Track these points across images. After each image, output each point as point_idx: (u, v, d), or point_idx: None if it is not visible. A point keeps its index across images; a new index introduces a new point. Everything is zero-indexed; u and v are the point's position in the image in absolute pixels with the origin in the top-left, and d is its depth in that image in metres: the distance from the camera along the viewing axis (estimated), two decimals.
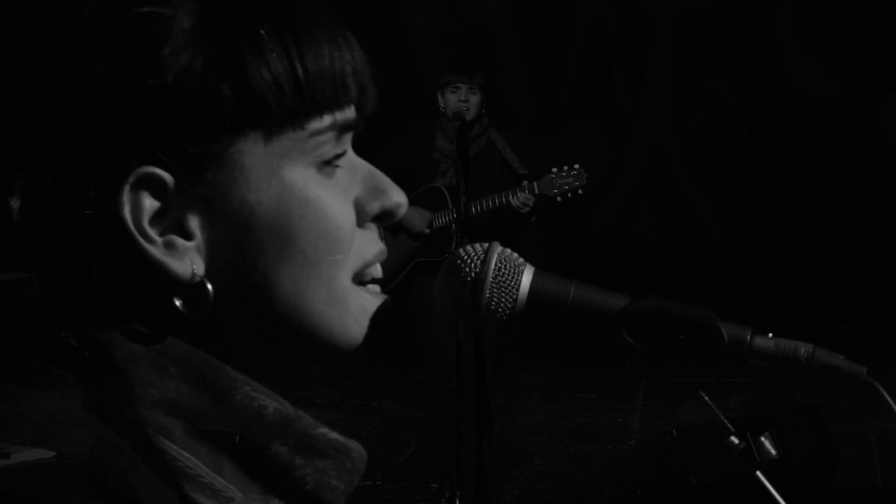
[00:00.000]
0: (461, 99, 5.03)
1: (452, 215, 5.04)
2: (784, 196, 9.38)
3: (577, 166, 5.08)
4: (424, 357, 5.17)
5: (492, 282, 1.15)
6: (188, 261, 0.80)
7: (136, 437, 0.79)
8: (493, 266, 1.16)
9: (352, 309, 0.86)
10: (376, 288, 0.89)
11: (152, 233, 0.79)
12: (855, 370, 1.25)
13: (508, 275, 1.16)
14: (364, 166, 0.87)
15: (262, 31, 0.80)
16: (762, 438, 4.15)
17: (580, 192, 5.10)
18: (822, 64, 9.18)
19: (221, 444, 0.80)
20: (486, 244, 1.18)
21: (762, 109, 9.35)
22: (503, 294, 1.16)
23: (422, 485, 5.49)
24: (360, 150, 0.88)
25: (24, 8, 0.80)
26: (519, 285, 1.16)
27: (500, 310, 1.16)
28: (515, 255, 1.18)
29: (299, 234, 0.82)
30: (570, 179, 5.06)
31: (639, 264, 9.59)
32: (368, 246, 0.87)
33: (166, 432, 0.79)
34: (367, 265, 0.87)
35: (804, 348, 1.17)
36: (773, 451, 4.16)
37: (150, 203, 0.79)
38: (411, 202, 5.90)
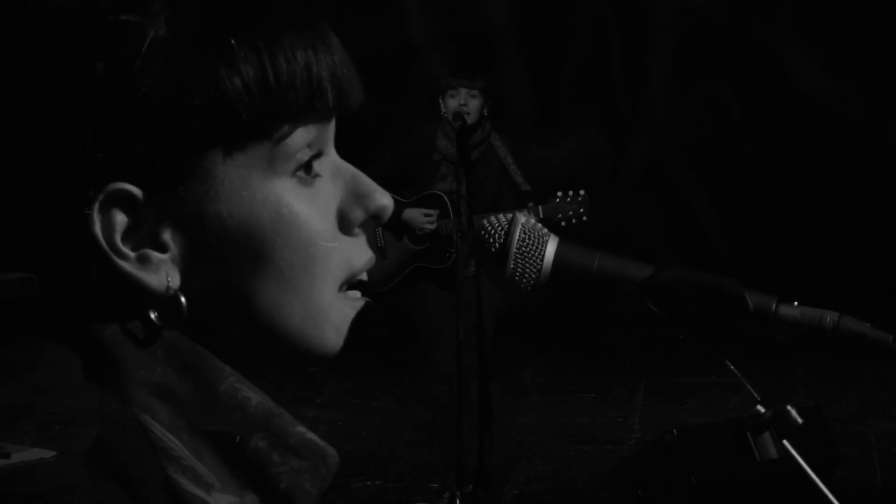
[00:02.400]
0: (461, 103, 5.01)
1: (451, 224, 5.03)
2: (784, 196, 9.38)
3: (582, 192, 5.09)
4: (426, 360, 5.17)
5: (516, 252, 1.15)
6: (163, 273, 0.80)
7: (124, 415, 0.80)
8: (517, 237, 1.15)
9: (331, 320, 0.85)
10: (356, 294, 0.87)
11: (125, 248, 0.79)
12: (881, 337, 1.26)
13: (533, 245, 1.15)
14: (346, 170, 0.86)
15: (234, 40, 0.79)
16: (762, 439, 4.15)
17: (584, 218, 5.11)
18: (821, 64, 9.18)
19: (204, 433, 0.80)
20: (510, 215, 1.18)
21: (762, 109, 9.35)
22: (527, 264, 1.15)
23: (422, 485, 5.49)
24: (360, 152, 0.87)
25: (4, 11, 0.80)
26: (543, 255, 1.15)
27: (524, 280, 1.15)
28: (539, 225, 1.17)
29: (273, 250, 0.81)
30: (576, 206, 5.08)
31: None
32: (357, 254, 0.86)
33: (152, 412, 0.80)
34: (355, 274, 0.86)
35: (830, 316, 1.18)
36: (774, 451, 4.15)
37: (121, 219, 0.79)
38: (413, 206, 5.91)
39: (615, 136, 9.53)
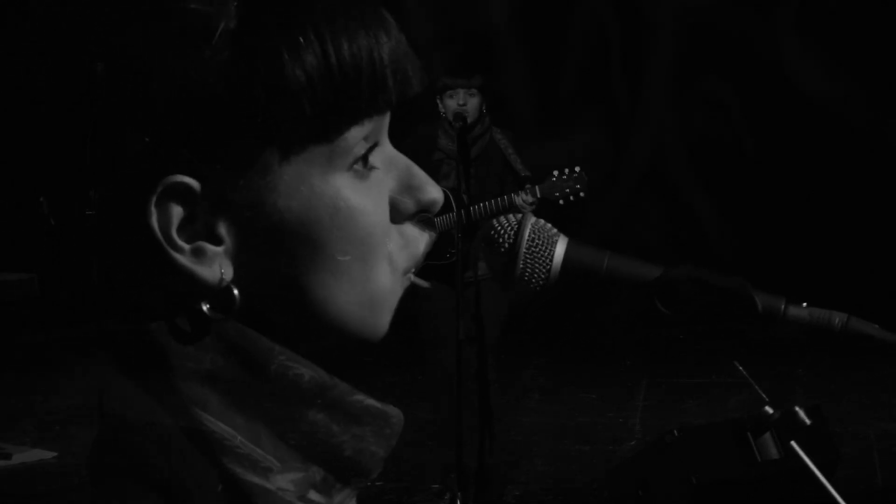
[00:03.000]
0: (460, 103, 5.02)
1: (454, 219, 5.04)
2: (784, 196, 9.38)
3: (577, 169, 5.07)
4: (429, 359, 5.17)
5: (525, 252, 1.15)
6: (217, 266, 0.80)
7: (174, 409, 0.79)
8: (526, 237, 1.16)
9: (389, 306, 0.86)
10: (409, 276, 0.88)
11: (180, 241, 0.79)
12: (889, 338, 1.26)
13: (542, 245, 1.16)
14: (400, 160, 0.87)
15: (299, 31, 0.79)
16: (763, 439, 4.15)
17: (582, 194, 5.09)
18: (822, 63, 9.18)
19: (258, 414, 0.80)
20: (520, 215, 1.18)
21: (762, 109, 9.35)
22: (537, 265, 1.16)
23: (422, 485, 5.49)
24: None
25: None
26: (552, 256, 1.16)
27: (533, 280, 1.16)
28: (549, 225, 1.18)
29: (329, 242, 0.81)
30: (572, 182, 5.06)
31: None
32: (416, 242, 0.87)
33: (202, 404, 0.80)
34: (416, 261, 0.87)
35: (838, 317, 1.19)
36: (774, 451, 4.16)
37: (177, 211, 0.79)
38: None
39: (615, 136, 9.54)
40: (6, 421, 6.35)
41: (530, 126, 8.45)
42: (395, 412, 0.86)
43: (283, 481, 0.81)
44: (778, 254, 9.45)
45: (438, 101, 5.12)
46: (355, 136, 0.81)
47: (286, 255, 0.81)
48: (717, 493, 3.90)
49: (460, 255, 4.93)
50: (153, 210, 0.78)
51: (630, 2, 9.50)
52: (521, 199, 4.99)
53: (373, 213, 0.83)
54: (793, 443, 2.41)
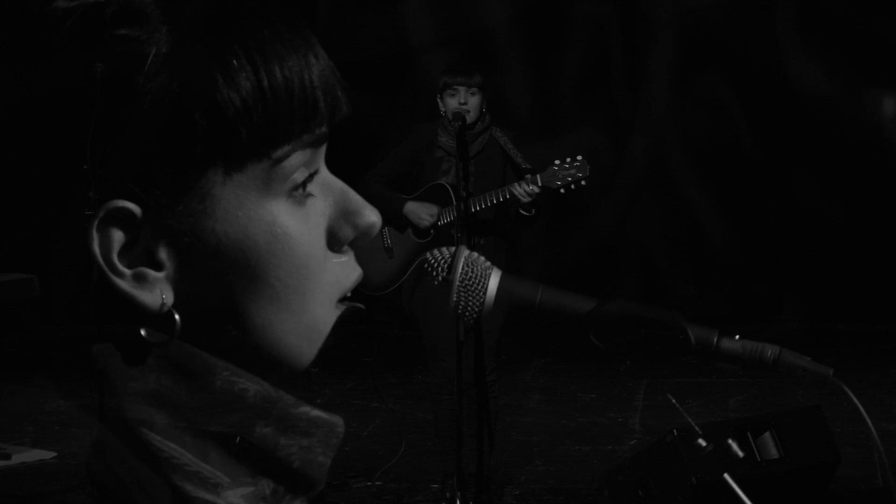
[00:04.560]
0: (461, 102, 5.03)
1: (453, 213, 5.05)
2: (784, 195, 9.38)
3: (579, 157, 5.06)
4: (429, 357, 5.17)
5: (459, 285, 1.18)
6: (158, 291, 0.80)
7: (120, 430, 0.80)
8: (459, 270, 1.18)
9: (321, 336, 0.85)
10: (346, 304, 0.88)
11: (121, 266, 0.79)
12: (821, 371, 1.28)
13: (476, 279, 1.19)
14: (336, 185, 0.86)
15: (232, 55, 0.79)
16: (763, 438, 4.15)
17: (583, 182, 5.07)
18: (822, 63, 9.18)
19: (205, 431, 0.81)
20: (454, 248, 1.21)
21: (762, 109, 9.35)
22: (470, 297, 1.19)
23: (422, 485, 5.49)
24: (365, 153, 0.87)
25: (15, 14, 0.80)
26: (486, 289, 1.18)
27: (467, 312, 1.19)
28: (482, 258, 1.21)
29: (268, 270, 0.81)
30: (573, 171, 5.04)
31: (639, 264, 9.60)
32: (347, 273, 0.86)
33: (149, 424, 0.80)
34: (345, 292, 0.86)
35: (771, 350, 1.20)
36: (774, 452, 4.16)
37: (119, 236, 0.79)
38: (416, 200, 5.93)
39: (615, 135, 9.54)
40: (6, 421, 6.36)
41: (530, 126, 8.45)
42: (339, 421, 0.86)
43: (234, 496, 0.81)
44: (777, 253, 9.45)
45: (439, 100, 5.13)
46: (294, 163, 0.81)
47: (225, 281, 0.81)
48: (717, 493, 3.90)
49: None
50: (95, 234, 0.78)
51: (630, 2, 9.50)
52: (521, 188, 4.97)
53: (309, 241, 0.83)
54: (726, 475, 2.42)
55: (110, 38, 0.78)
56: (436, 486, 5.35)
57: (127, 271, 0.79)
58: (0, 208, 0.82)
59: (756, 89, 9.32)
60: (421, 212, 5.13)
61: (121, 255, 0.79)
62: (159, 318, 0.80)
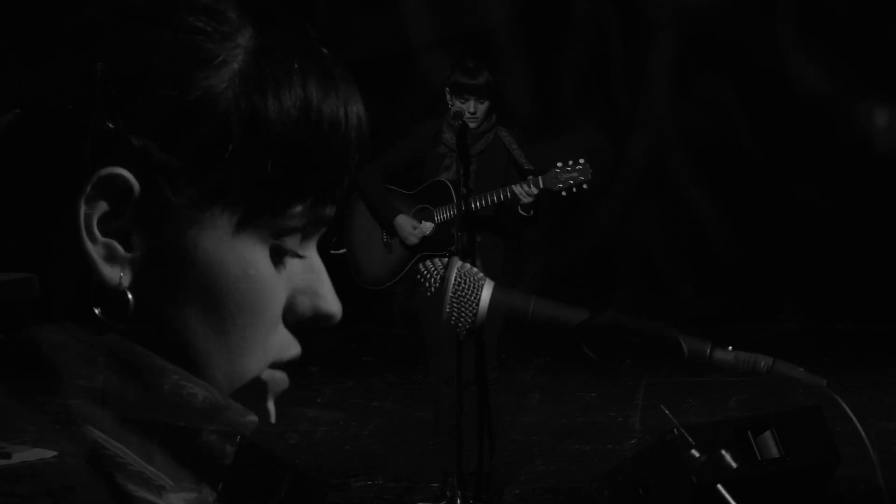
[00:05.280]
0: (470, 111, 5.02)
1: (453, 211, 5.05)
2: (784, 195, 9.38)
3: (582, 160, 5.06)
4: (429, 355, 5.17)
5: (451, 297, 1.18)
6: (118, 269, 0.80)
7: (66, 427, 0.80)
8: (452, 282, 1.18)
9: (240, 384, 0.84)
10: (278, 373, 0.87)
11: (97, 231, 0.79)
12: (815, 382, 1.29)
13: (468, 290, 1.19)
14: (315, 264, 0.86)
15: (289, 87, 0.80)
16: (763, 438, 4.15)
17: (585, 186, 5.07)
18: (821, 63, 9.18)
19: (152, 433, 0.81)
20: (447, 259, 1.21)
21: (762, 109, 9.35)
22: (463, 308, 1.19)
23: (422, 485, 5.49)
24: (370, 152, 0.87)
25: (15, 14, 0.80)
26: (479, 300, 1.18)
27: (460, 323, 1.19)
28: (475, 269, 1.21)
29: (227, 302, 0.81)
30: (575, 174, 5.04)
31: (639, 264, 9.60)
32: (288, 345, 0.86)
33: (95, 421, 0.80)
34: (279, 363, 0.86)
35: (764, 361, 1.21)
36: (775, 451, 4.16)
37: (106, 203, 0.79)
38: (416, 197, 5.95)
39: (615, 135, 9.54)
40: (6, 421, 6.35)
41: (530, 126, 8.45)
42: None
43: (177, 500, 0.81)
44: (777, 253, 9.45)
45: (447, 95, 5.11)
46: (297, 224, 0.82)
47: (181, 294, 0.81)
48: (717, 493, 3.90)
49: (459, 249, 4.93)
50: (87, 189, 0.78)
51: (630, 2, 9.50)
52: (522, 189, 4.97)
53: (272, 297, 0.83)
54: (719, 486, 2.43)
55: (184, 23, 0.78)
56: (436, 485, 5.35)
57: (100, 238, 0.79)
58: (0, 208, 0.82)
59: (756, 89, 9.32)
60: (408, 229, 5.13)
61: (101, 221, 0.79)
62: (113, 297, 0.80)
